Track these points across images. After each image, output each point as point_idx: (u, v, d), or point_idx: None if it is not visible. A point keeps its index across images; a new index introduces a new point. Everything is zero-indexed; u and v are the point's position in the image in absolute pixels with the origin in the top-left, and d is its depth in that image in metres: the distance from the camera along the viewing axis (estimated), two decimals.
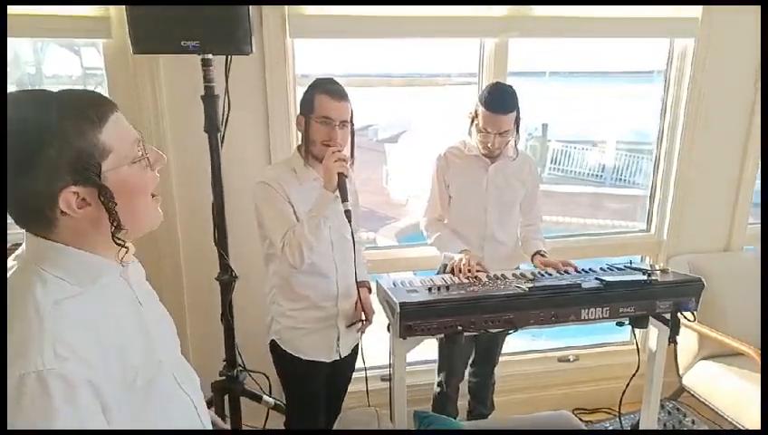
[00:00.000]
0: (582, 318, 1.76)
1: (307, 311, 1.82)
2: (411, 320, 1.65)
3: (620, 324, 1.89)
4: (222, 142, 2.05)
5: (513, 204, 2.23)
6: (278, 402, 2.21)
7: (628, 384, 2.08)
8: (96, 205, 0.78)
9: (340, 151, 1.69)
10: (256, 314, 2.06)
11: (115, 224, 0.79)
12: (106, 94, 2.19)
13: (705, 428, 2.57)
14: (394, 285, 1.85)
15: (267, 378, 2.23)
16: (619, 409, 2.18)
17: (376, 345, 2.17)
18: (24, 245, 0.81)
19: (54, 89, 0.79)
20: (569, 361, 2.91)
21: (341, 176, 1.66)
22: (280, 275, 1.82)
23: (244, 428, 2.21)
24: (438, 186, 2.21)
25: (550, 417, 1.99)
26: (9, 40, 2.30)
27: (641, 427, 2.17)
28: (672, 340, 1.85)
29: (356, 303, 1.89)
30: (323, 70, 2.45)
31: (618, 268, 2.02)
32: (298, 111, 1.79)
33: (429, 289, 1.77)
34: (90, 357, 0.74)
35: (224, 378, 2.13)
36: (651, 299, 1.80)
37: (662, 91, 2.72)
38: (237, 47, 1.90)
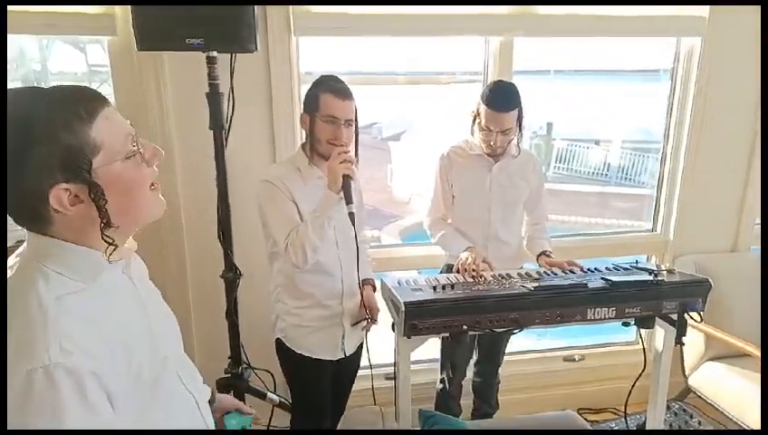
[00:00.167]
0: (588, 318, 1.75)
1: (312, 309, 1.82)
2: (416, 319, 1.64)
3: (626, 325, 1.87)
4: (226, 140, 2.05)
5: (516, 203, 2.21)
6: (283, 400, 2.21)
7: (633, 385, 2.07)
8: (89, 202, 0.77)
9: (346, 152, 1.68)
10: (261, 311, 2.06)
11: (104, 221, 0.78)
12: (111, 92, 2.21)
13: (712, 429, 2.55)
14: (399, 283, 1.84)
15: (272, 375, 2.23)
16: (625, 409, 2.17)
17: (381, 343, 2.16)
18: (25, 243, 0.81)
19: (55, 85, 0.79)
20: (574, 360, 2.90)
21: (347, 178, 1.65)
22: (284, 273, 1.82)
23: None
24: (441, 185, 2.20)
25: (555, 417, 1.98)
26: (14, 37, 2.32)
27: (647, 428, 2.15)
28: (679, 341, 1.83)
29: (361, 301, 1.89)
30: (328, 68, 2.44)
31: (623, 268, 2.00)
32: (302, 110, 1.79)
33: (434, 288, 1.76)
34: (94, 351, 0.74)
35: (228, 375, 2.14)
36: (658, 299, 1.78)
37: (668, 90, 2.70)
38: (242, 45, 1.90)
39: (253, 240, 2.03)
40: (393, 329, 1.83)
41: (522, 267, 2.21)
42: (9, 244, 0.93)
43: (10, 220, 0.80)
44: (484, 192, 2.15)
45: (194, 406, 0.95)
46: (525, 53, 2.50)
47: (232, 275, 2.07)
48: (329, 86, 1.70)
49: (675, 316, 1.82)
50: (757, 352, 2.26)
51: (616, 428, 2.66)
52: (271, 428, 2.33)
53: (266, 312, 1.95)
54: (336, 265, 1.82)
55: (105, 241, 0.79)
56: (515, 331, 1.76)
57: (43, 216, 0.77)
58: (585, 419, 2.67)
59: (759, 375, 2.35)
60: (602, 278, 1.82)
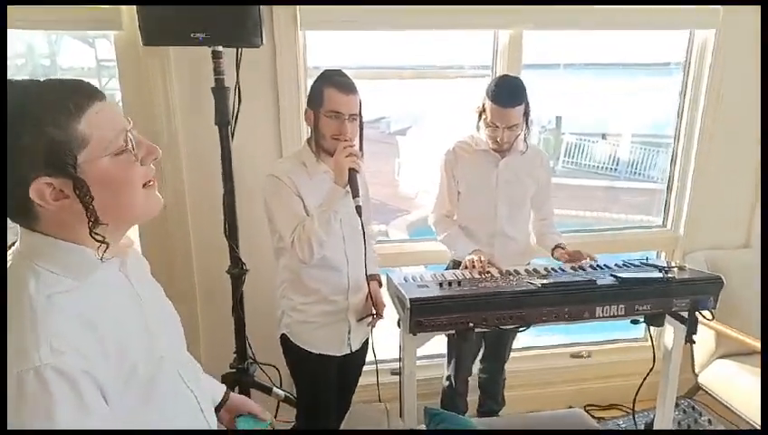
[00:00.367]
0: (597, 316, 1.73)
1: (317, 305, 1.81)
2: (422, 316, 1.63)
3: (635, 322, 1.85)
4: (233, 135, 2.04)
5: (523, 199, 2.19)
6: (288, 395, 2.21)
7: (642, 383, 2.04)
8: (74, 197, 0.75)
9: (351, 146, 1.67)
10: (267, 306, 2.06)
11: (92, 219, 0.76)
12: (118, 86, 2.20)
13: (722, 427, 2.52)
14: (405, 280, 1.83)
15: (278, 370, 2.23)
16: (633, 407, 2.15)
17: (386, 339, 2.15)
18: (18, 240, 0.80)
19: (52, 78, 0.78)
20: (582, 357, 2.88)
21: (353, 171, 1.64)
22: (290, 268, 1.81)
23: None
24: (447, 181, 2.18)
25: (562, 415, 1.96)
26: (22, 32, 2.32)
27: (656, 426, 2.13)
28: (689, 339, 1.80)
29: (366, 297, 1.88)
30: (335, 62, 2.43)
31: (633, 265, 1.98)
32: (306, 105, 1.77)
33: (440, 284, 1.75)
34: (86, 350, 0.74)
35: (234, 370, 2.14)
36: (668, 297, 1.76)
37: (680, 83, 2.66)
38: (247, 39, 1.89)
39: (259, 235, 2.03)
40: (399, 325, 1.82)
41: (529, 263, 2.19)
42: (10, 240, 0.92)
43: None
44: (490, 188, 2.12)
45: (195, 406, 0.94)
46: (534, 46, 2.47)
47: (238, 271, 2.07)
48: (333, 81, 1.69)
49: (685, 314, 1.80)
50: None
51: (624, 426, 2.64)
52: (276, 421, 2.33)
53: (272, 307, 1.95)
54: (342, 260, 1.81)
55: (95, 239, 0.77)
56: (522, 328, 1.74)
57: (30, 210, 0.76)
58: (592, 415, 2.66)
59: None
60: (611, 275, 1.80)
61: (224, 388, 1.23)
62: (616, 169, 10.58)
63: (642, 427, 2.40)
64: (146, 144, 0.84)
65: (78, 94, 0.76)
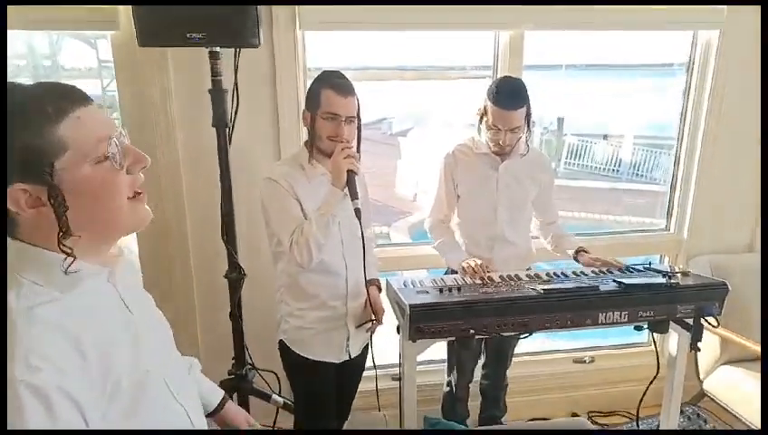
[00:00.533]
0: (600, 322, 1.70)
1: (315, 310, 1.78)
2: (421, 322, 1.60)
3: (639, 329, 1.82)
4: (230, 138, 2.02)
5: (524, 203, 2.16)
6: (287, 401, 2.18)
7: (645, 391, 2.01)
8: (50, 205, 0.73)
9: (349, 148, 1.64)
10: (266, 311, 2.03)
11: (63, 229, 0.73)
12: (114, 87, 2.18)
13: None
14: (404, 285, 1.80)
15: (277, 376, 2.20)
16: (637, 413, 2.11)
17: (386, 343, 2.12)
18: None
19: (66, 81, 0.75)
20: (584, 362, 2.84)
21: (351, 173, 1.62)
22: (288, 273, 1.78)
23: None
24: (445, 185, 2.15)
25: (565, 423, 1.93)
26: (21, 33, 2.30)
27: None
28: (694, 347, 1.77)
29: (365, 302, 1.85)
30: (336, 63, 2.40)
31: (637, 270, 1.95)
32: (304, 106, 1.75)
33: (440, 290, 1.72)
34: (65, 365, 0.71)
35: (232, 377, 2.11)
36: (672, 303, 1.73)
37: (683, 84, 2.63)
38: (245, 40, 1.86)
39: (257, 240, 2.00)
40: (398, 332, 1.79)
41: (529, 268, 2.16)
42: None
43: None
44: (490, 192, 2.09)
45: (185, 421, 0.91)
46: (536, 47, 2.44)
47: (236, 275, 2.04)
48: (330, 82, 1.66)
49: (690, 321, 1.76)
50: None
51: None
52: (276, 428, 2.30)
53: (271, 312, 1.92)
54: (341, 265, 1.78)
55: (62, 251, 0.74)
56: (524, 335, 1.70)
57: (8, 216, 0.73)
58: (595, 422, 2.63)
59: None
60: (614, 281, 1.77)
61: (221, 394, 1.20)
62: (618, 171, 10.55)
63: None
64: (133, 152, 0.81)
65: (61, 99, 0.73)
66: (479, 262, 1.94)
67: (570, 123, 10.55)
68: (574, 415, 2.75)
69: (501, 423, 2.40)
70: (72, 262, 0.75)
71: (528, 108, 1.96)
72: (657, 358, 1.95)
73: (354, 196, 1.62)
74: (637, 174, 10.30)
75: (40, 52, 3.21)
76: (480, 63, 2.60)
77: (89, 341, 0.75)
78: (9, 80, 0.75)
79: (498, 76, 2.36)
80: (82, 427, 0.71)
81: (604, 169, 10.56)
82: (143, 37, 1.78)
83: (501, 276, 1.89)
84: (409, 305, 1.59)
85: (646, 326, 1.78)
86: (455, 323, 1.62)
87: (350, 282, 1.80)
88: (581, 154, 10.69)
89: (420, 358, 1.80)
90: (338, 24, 2.22)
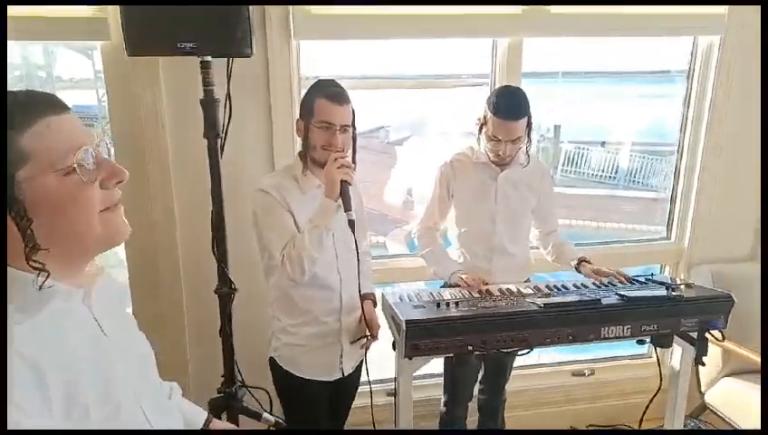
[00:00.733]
0: (602, 337, 1.65)
1: (308, 326, 1.73)
2: (418, 339, 1.55)
3: (641, 342, 1.77)
4: (222, 149, 1.97)
5: (524, 214, 2.12)
6: (279, 420, 2.11)
7: (648, 405, 1.96)
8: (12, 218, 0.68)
9: (343, 157, 1.60)
10: (256, 327, 1.98)
11: (30, 244, 0.68)
12: (105, 98, 2.13)
13: None
14: (400, 299, 1.75)
15: (268, 394, 2.14)
16: (640, 425, 2.06)
17: (381, 357, 2.06)
18: None
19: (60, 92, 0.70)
20: (583, 375, 2.79)
21: (344, 183, 1.57)
22: (280, 288, 1.73)
23: None
24: (440, 193, 2.10)
25: None
26: (15, 43, 2.26)
27: None
28: (699, 361, 1.72)
29: (360, 317, 1.80)
30: (332, 71, 2.36)
31: (639, 281, 1.91)
32: (298, 116, 1.71)
33: (437, 305, 1.67)
34: (23, 400, 0.65)
35: (222, 395, 2.04)
36: (676, 317, 1.68)
37: (682, 90, 2.60)
38: (237, 49, 1.82)
39: (249, 254, 1.95)
40: (394, 348, 1.74)
41: (528, 280, 2.11)
42: None
43: None
44: (489, 202, 2.05)
45: None
46: (533, 54, 2.41)
47: (226, 290, 1.98)
48: (324, 91, 1.62)
49: (694, 334, 1.72)
50: None
51: None
52: None
53: (262, 328, 1.87)
54: (335, 278, 1.73)
55: (32, 267, 0.69)
56: (524, 352, 1.65)
57: None
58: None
59: None
60: (616, 294, 1.72)
61: (205, 414, 1.15)
62: (614, 178, 10.55)
63: None
64: (109, 165, 0.76)
65: (30, 106, 0.69)
66: (474, 277, 1.90)
67: (566, 131, 10.56)
68: (573, 429, 2.70)
69: None
70: (47, 277, 0.70)
71: (529, 118, 1.92)
72: (660, 373, 1.91)
73: (348, 207, 1.57)
74: (633, 181, 10.30)
75: (34, 62, 3.18)
76: (477, 72, 2.57)
77: (52, 370, 0.69)
78: None
79: (496, 84, 2.34)
80: None
81: (601, 175, 10.57)
82: (132, 47, 1.74)
83: (500, 290, 1.84)
84: (405, 321, 1.54)
85: (649, 341, 1.72)
86: (453, 339, 1.56)
87: (345, 296, 1.75)
88: (578, 161, 10.70)
89: (417, 372, 1.74)
90: (332, 33, 2.19)
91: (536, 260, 2.24)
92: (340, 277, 1.74)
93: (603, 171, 10.55)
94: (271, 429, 2.02)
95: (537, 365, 2.82)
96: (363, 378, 1.92)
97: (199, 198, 2.07)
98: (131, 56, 1.78)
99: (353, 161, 1.70)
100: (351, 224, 1.57)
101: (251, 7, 1.79)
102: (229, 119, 2.03)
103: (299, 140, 2.03)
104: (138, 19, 1.72)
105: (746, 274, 2.60)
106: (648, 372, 2.75)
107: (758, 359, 2.20)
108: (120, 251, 2.26)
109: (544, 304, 1.62)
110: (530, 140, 1.99)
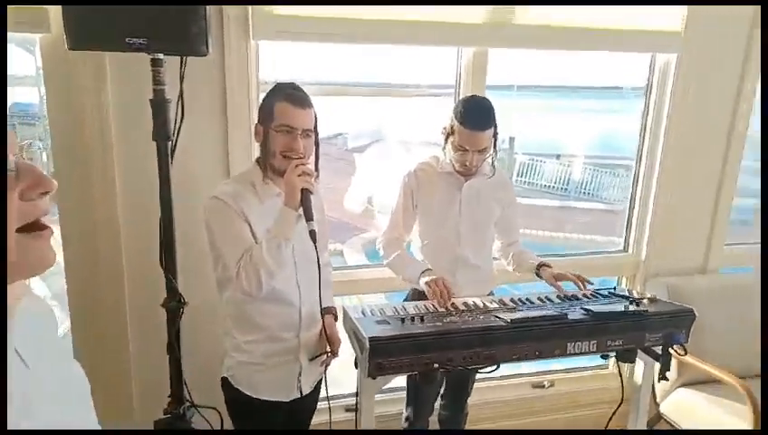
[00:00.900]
0: (568, 352, 1.62)
1: (264, 343, 1.62)
2: (382, 357, 1.47)
3: (605, 357, 1.76)
4: (173, 153, 1.84)
5: (487, 225, 2.08)
6: None
7: (610, 419, 1.95)
8: None
9: (304, 165, 1.51)
10: (207, 344, 1.87)
11: None
12: (44, 96, 1.97)
13: None
14: (363, 314, 1.68)
15: (219, 414, 2.00)
16: None
17: (339, 371, 1.97)
18: None
19: None
20: (543, 387, 2.78)
21: (306, 192, 1.48)
22: (234, 302, 1.62)
23: None
24: (404, 204, 2.04)
25: None
26: None
27: None
28: (662, 377, 1.72)
29: (320, 332, 1.70)
30: (289, 77, 2.27)
31: (601, 295, 1.90)
32: (256, 120, 1.61)
33: (402, 320, 1.60)
34: None
35: (168, 416, 1.90)
36: (640, 331, 1.67)
37: (634, 106, 2.64)
38: (191, 47, 1.70)
39: (200, 265, 1.83)
40: (356, 366, 1.65)
41: (492, 293, 2.07)
42: None
43: None
44: (453, 213, 2.00)
45: None
46: (489, 68, 2.39)
47: (175, 305, 1.84)
48: (284, 94, 1.53)
49: (658, 349, 1.71)
50: (733, 381, 2.19)
51: None
52: None
53: (213, 344, 1.76)
54: (294, 292, 1.63)
55: None
56: (491, 370, 1.59)
57: None
58: None
59: (732, 403, 2.30)
60: (582, 308, 1.70)
61: None
62: (566, 189, 10.86)
63: None
64: (33, 173, 0.63)
65: None
66: (443, 279, 1.84)
67: (520, 142, 10.80)
68: (565, 430, 2.68)
69: None
70: None
71: (495, 128, 1.89)
72: (623, 387, 1.90)
73: (309, 217, 1.48)
74: (584, 192, 10.62)
75: None
76: (438, 82, 2.54)
77: None
78: None
79: (461, 94, 2.31)
80: None
81: (554, 187, 10.85)
82: (74, 40, 1.59)
83: (465, 303, 1.79)
84: (369, 338, 1.46)
85: (613, 355, 1.71)
86: (417, 356, 1.50)
87: (304, 311, 1.65)
88: (532, 173, 10.95)
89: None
90: (293, 35, 2.09)
91: (499, 271, 2.21)
92: (300, 291, 1.64)
93: (556, 183, 10.84)
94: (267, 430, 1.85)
95: (497, 378, 2.78)
96: (322, 394, 1.83)
97: (147, 205, 1.93)
98: (72, 50, 1.63)
99: (316, 169, 1.61)
100: (313, 235, 1.48)
101: (208, 6, 1.68)
102: (181, 121, 1.90)
103: (257, 147, 1.93)
104: (81, 9, 1.57)
105: (698, 286, 2.66)
106: (607, 383, 2.77)
107: (718, 373, 2.24)
108: (59, 256, 2.08)
109: (511, 320, 1.57)
110: (496, 151, 1.96)
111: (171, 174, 1.81)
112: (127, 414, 2.13)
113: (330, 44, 2.15)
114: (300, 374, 1.66)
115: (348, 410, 2.43)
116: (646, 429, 2.01)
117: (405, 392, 2.24)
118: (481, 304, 1.79)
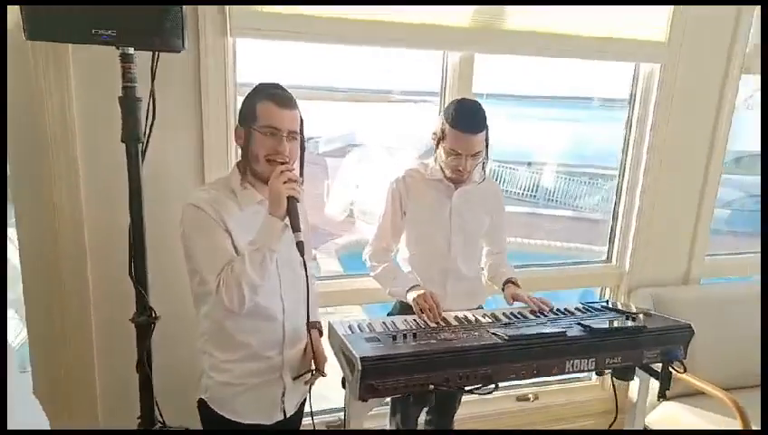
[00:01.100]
0: (566, 370, 1.55)
1: (245, 362, 1.49)
2: (375, 379, 1.36)
3: (600, 374, 1.70)
4: (143, 155, 1.70)
5: (477, 234, 2.01)
6: None
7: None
8: None
9: (290, 170, 1.40)
10: (181, 361, 1.73)
11: None
12: None
13: None
14: (350, 330, 1.57)
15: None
16: None
17: (321, 385, 1.84)
18: None
19: None
20: (528, 400, 2.71)
21: (292, 200, 1.37)
22: (213, 318, 1.49)
23: None
24: (392, 212, 1.94)
25: None
26: None
27: None
28: (662, 395, 1.66)
29: (305, 349, 1.59)
30: (261, 79, 2.16)
31: (595, 308, 1.84)
32: (237, 122, 1.49)
33: (393, 337, 1.49)
34: None
35: None
36: (638, 348, 1.61)
37: (621, 117, 2.62)
38: (165, 42, 1.58)
39: (174, 276, 1.69)
40: (344, 386, 1.54)
41: (480, 307, 1.99)
42: None
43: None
44: (443, 221, 1.92)
45: None
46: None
47: (145, 319, 1.70)
48: (268, 93, 1.43)
49: (656, 366, 1.66)
50: (720, 394, 2.17)
51: None
52: None
53: (187, 363, 1.62)
54: (278, 307, 1.51)
55: None
56: (488, 391, 1.50)
57: None
58: None
59: (717, 416, 2.30)
60: (579, 324, 1.63)
61: None
62: (535, 196, 10.98)
63: None
64: None
65: None
66: (431, 294, 1.75)
67: (493, 150, 10.86)
68: (565, 430, 2.62)
69: None
70: None
71: (487, 132, 1.81)
72: (617, 405, 1.84)
73: (296, 227, 1.37)
74: (550, 199, 10.76)
75: None
76: (418, 89, 2.47)
77: None
78: None
79: (446, 100, 2.23)
80: None
81: (524, 194, 10.96)
82: (32, 29, 1.45)
83: (456, 318, 1.71)
84: (361, 359, 1.35)
85: (610, 373, 1.65)
86: (412, 377, 1.39)
87: (288, 327, 1.54)
88: (503, 180, 11.04)
89: None
90: (272, 33, 1.98)
91: (487, 283, 2.14)
92: (284, 305, 1.52)
93: (527, 190, 10.95)
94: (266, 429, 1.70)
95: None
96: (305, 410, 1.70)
97: (115, 211, 1.79)
98: (30, 39, 1.49)
99: (300, 174, 1.50)
100: (300, 246, 1.37)
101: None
102: (153, 121, 1.77)
103: (235, 150, 1.81)
104: None
105: (681, 297, 2.65)
106: (592, 395, 2.74)
107: (709, 389, 2.21)
108: (14, 261, 1.90)
109: (509, 337, 1.49)
110: (488, 157, 1.88)
111: (141, 178, 1.68)
112: None
113: (305, 46, 2.04)
114: (283, 395, 1.54)
115: (330, 427, 2.32)
116: None
117: (388, 407, 2.14)
118: (473, 319, 1.70)
